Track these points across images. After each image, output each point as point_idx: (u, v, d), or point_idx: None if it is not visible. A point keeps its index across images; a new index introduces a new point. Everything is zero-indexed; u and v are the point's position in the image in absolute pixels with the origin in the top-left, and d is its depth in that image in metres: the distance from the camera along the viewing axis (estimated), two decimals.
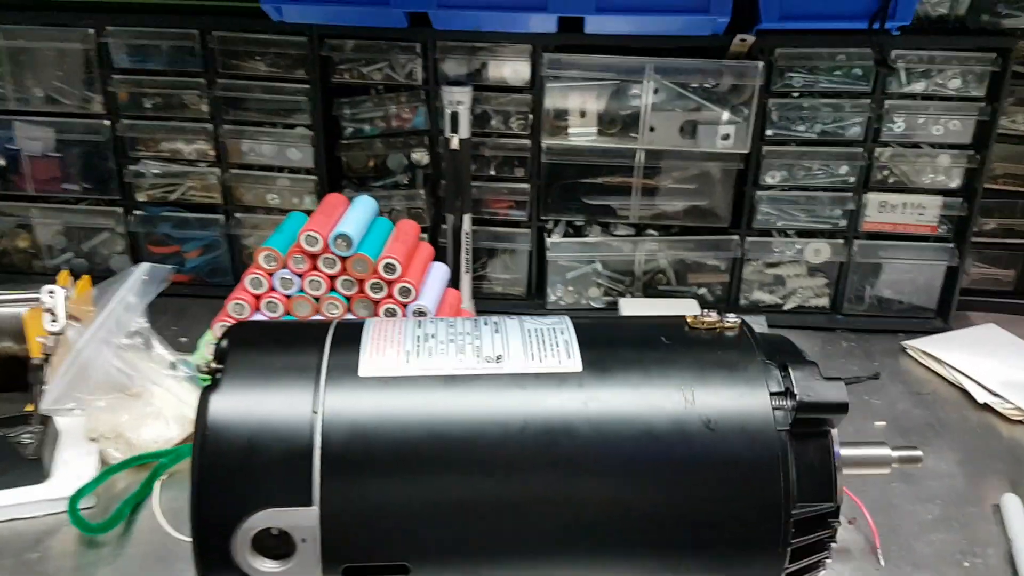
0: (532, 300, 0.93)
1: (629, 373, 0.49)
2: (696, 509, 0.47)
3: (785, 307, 0.92)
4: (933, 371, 0.83)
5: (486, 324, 0.52)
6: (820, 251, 0.89)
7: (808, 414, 0.47)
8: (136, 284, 0.74)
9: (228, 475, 0.45)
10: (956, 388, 0.80)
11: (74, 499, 0.59)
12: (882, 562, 0.60)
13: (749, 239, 0.89)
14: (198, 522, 0.45)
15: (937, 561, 0.60)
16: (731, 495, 0.47)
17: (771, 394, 0.48)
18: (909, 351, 0.86)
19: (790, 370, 0.48)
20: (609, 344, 0.51)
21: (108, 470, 0.64)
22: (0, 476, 0.61)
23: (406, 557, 0.46)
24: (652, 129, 0.82)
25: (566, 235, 0.90)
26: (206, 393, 0.46)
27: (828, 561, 0.49)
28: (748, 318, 0.55)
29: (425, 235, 0.86)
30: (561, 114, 0.83)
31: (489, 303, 0.92)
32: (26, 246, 0.95)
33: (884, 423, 0.75)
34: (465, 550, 0.46)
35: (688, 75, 0.80)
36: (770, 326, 0.90)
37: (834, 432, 0.48)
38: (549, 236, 0.89)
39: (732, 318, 0.53)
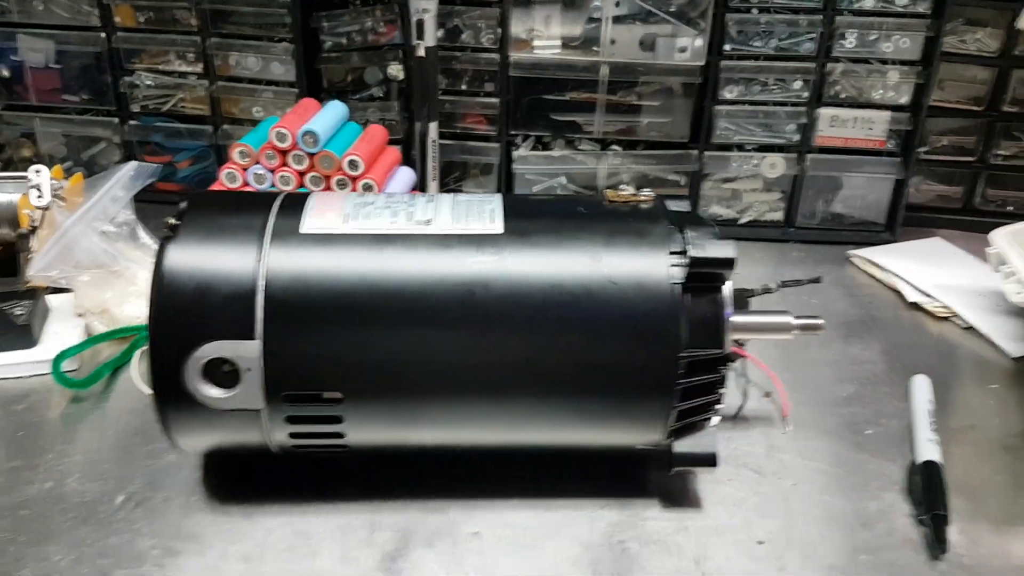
0: None
1: (544, 237, 0.54)
2: (599, 354, 0.52)
3: (741, 221, 0.96)
4: (873, 276, 0.87)
5: (422, 196, 0.58)
6: (775, 165, 0.93)
7: (699, 268, 0.52)
8: (124, 178, 0.80)
9: (181, 312, 0.51)
10: (892, 291, 0.85)
11: (58, 359, 0.66)
12: (789, 428, 0.65)
13: (707, 154, 0.93)
14: (154, 353, 0.51)
15: (841, 429, 0.65)
16: (630, 341, 0.52)
17: (670, 253, 0.53)
18: (853, 259, 0.90)
19: (686, 232, 0.54)
20: (530, 214, 0.57)
21: (92, 339, 0.71)
22: None
23: (339, 388, 0.52)
24: (613, 42, 0.87)
25: (534, 150, 0.95)
26: (164, 243, 0.53)
27: (719, 406, 0.55)
28: (675, 202, 0.60)
29: (399, 145, 0.92)
30: (527, 28, 0.88)
31: None
32: (30, 155, 1.01)
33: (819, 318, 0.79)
34: (391, 385, 0.52)
35: None
36: (727, 238, 0.95)
37: (726, 288, 0.53)
38: (516, 150, 0.94)
39: (647, 192, 0.59)
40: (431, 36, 0.82)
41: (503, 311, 0.52)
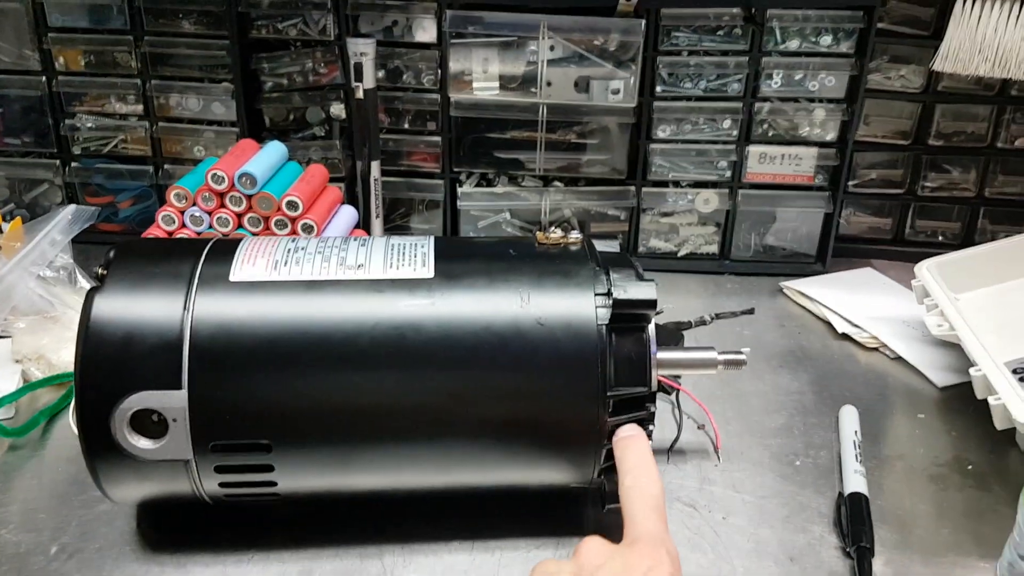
0: None
1: (475, 279, 0.55)
2: (529, 394, 0.53)
3: (679, 254, 0.99)
4: (804, 308, 0.90)
5: (355, 240, 0.59)
6: (709, 201, 0.95)
7: (622, 310, 0.54)
8: (62, 223, 0.80)
9: (107, 362, 0.51)
10: (822, 321, 0.87)
11: None
12: (719, 460, 0.67)
13: (645, 190, 0.95)
14: (81, 404, 0.51)
15: (772, 460, 0.67)
16: (559, 381, 0.53)
17: (596, 294, 0.55)
18: (785, 291, 0.93)
19: (611, 273, 0.55)
20: (461, 257, 0.58)
21: (27, 386, 0.70)
22: None
23: (268, 437, 0.52)
24: (549, 84, 0.89)
25: (478, 186, 0.96)
26: (91, 293, 0.53)
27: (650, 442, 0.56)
28: (605, 243, 0.62)
29: (342, 184, 0.93)
30: (465, 70, 0.89)
31: None
32: None
33: (748, 349, 0.81)
34: (322, 432, 0.53)
35: (580, 32, 0.87)
36: (664, 271, 0.97)
37: (650, 328, 0.55)
38: (461, 187, 0.95)
39: (575, 235, 0.60)
40: (370, 78, 0.83)
41: (434, 354, 0.53)
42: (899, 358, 0.81)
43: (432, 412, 0.53)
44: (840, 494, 0.63)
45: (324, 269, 0.55)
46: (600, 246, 0.60)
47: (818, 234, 0.97)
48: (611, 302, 0.54)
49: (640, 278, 0.55)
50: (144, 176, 0.97)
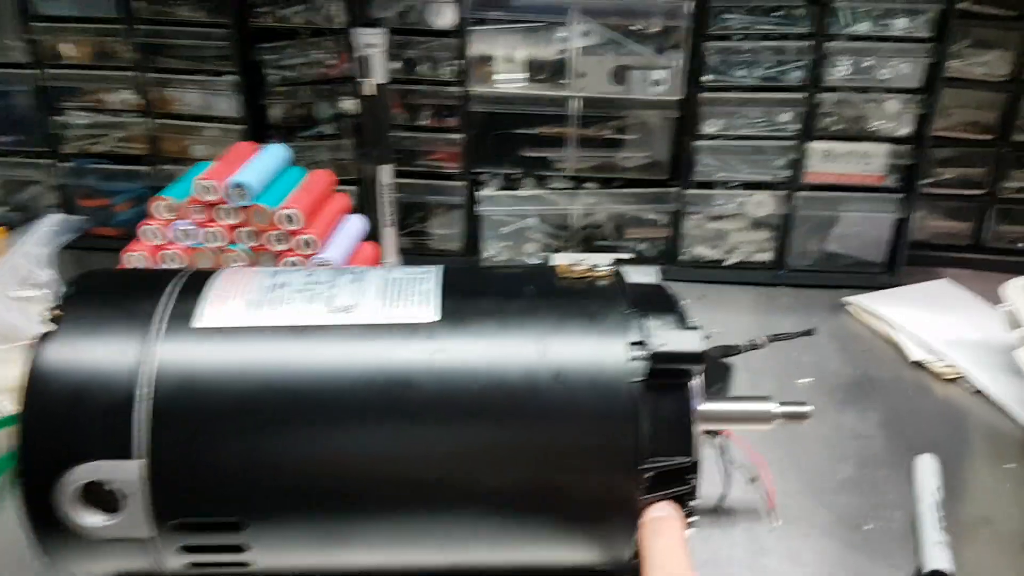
0: (468, 256, 0.90)
1: (484, 323, 0.46)
2: (545, 465, 0.44)
3: (727, 262, 0.89)
4: (872, 328, 0.80)
5: (349, 274, 0.50)
6: (763, 203, 0.85)
7: (660, 364, 0.44)
8: (43, 234, 0.73)
9: (52, 426, 0.43)
10: (891, 345, 0.77)
11: None
12: (778, 523, 0.57)
13: (689, 191, 0.85)
14: (23, 475, 0.43)
15: (836, 524, 0.57)
16: (580, 448, 0.44)
17: (629, 344, 0.45)
18: (850, 308, 0.82)
19: (648, 318, 0.46)
20: (471, 294, 0.49)
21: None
22: None
23: (239, 513, 0.44)
24: (582, 75, 0.79)
25: (502, 189, 0.87)
26: (42, 339, 0.45)
27: (692, 519, 0.47)
28: (637, 268, 0.52)
29: (354, 187, 0.84)
30: (488, 60, 0.80)
31: (426, 260, 0.89)
32: None
33: (810, 379, 0.72)
34: (302, 506, 0.44)
35: (616, 15, 0.77)
36: (711, 282, 0.87)
37: (693, 384, 0.46)
38: (479, 190, 0.86)
39: (604, 267, 0.51)
40: (380, 73, 0.74)
41: (434, 414, 0.44)
42: (979, 392, 0.70)
43: (431, 482, 0.44)
44: (918, 571, 0.53)
45: (307, 311, 0.46)
46: (634, 275, 0.51)
47: (884, 240, 0.86)
48: (647, 354, 0.44)
49: (683, 323, 0.46)
50: (142, 177, 0.90)
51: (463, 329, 0.46)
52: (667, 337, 0.45)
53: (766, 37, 0.79)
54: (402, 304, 0.47)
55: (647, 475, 0.44)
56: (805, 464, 0.63)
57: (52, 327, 0.45)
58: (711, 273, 0.88)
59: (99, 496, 0.44)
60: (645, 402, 0.44)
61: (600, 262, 0.51)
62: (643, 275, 0.52)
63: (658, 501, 0.45)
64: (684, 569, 0.43)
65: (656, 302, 0.48)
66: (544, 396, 0.44)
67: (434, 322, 0.46)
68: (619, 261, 0.52)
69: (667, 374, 0.45)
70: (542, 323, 0.46)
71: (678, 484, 0.45)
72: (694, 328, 0.45)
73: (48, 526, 0.44)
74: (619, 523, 0.45)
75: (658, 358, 0.44)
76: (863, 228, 0.86)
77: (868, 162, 0.82)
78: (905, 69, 0.79)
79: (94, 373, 0.44)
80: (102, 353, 0.44)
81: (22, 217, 0.93)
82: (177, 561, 0.45)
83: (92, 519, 0.44)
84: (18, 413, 0.43)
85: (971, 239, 0.90)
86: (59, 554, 0.45)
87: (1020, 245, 0.90)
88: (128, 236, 0.91)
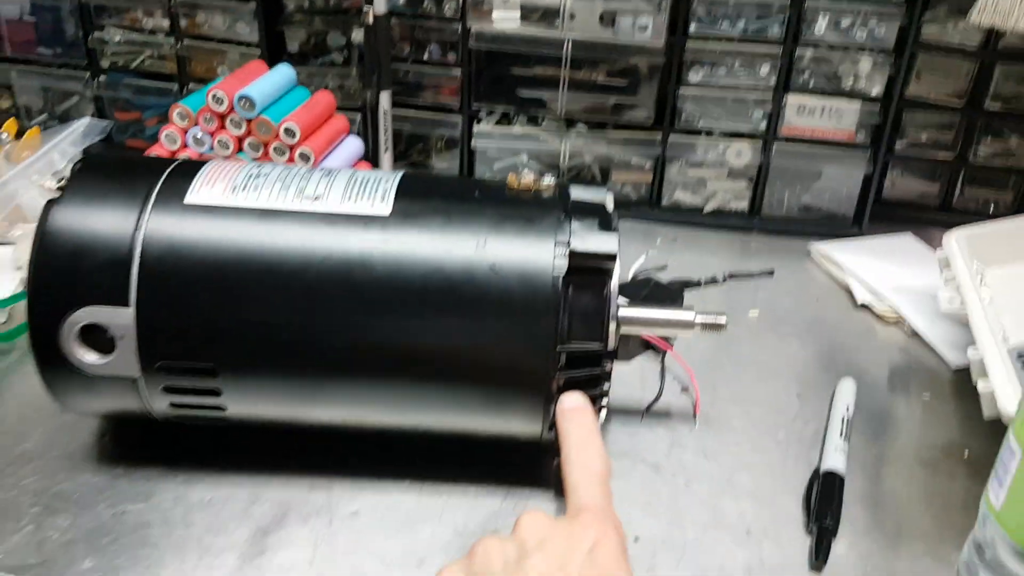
0: None
1: (432, 220, 0.53)
2: (477, 341, 0.51)
3: (706, 209, 0.94)
4: (829, 273, 0.85)
5: (321, 171, 0.57)
6: (741, 153, 0.90)
7: (580, 262, 0.51)
8: (74, 135, 0.81)
9: (57, 274, 0.51)
10: (845, 289, 0.82)
11: None
12: (695, 425, 0.64)
13: (672, 138, 0.90)
14: (32, 315, 0.51)
15: (753, 430, 0.63)
16: (509, 330, 0.51)
17: (556, 243, 0.52)
18: (813, 254, 0.87)
19: (572, 222, 0.52)
20: (423, 195, 0.55)
21: (22, 293, 0.72)
22: None
23: (214, 360, 0.52)
24: (572, 17, 0.84)
25: (499, 124, 0.93)
26: (48, 204, 0.53)
27: (604, 401, 0.54)
28: (589, 188, 0.58)
29: (358, 113, 0.91)
30: None
31: None
32: (8, 107, 1.02)
33: (757, 311, 0.77)
34: (267, 361, 0.52)
35: None
36: (689, 225, 0.93)
37: (612, 282, 0.52)
38: (478, 124, 0.92)
39: (548, 180, 0.57)
40: (381, 3, 0.80)
41: (382, 293, 0.51)
42: (916, 334, 0.75)
43: (378, 351, 0.52)
44: (816, 470, 0.59)
45: (281, 198, 0.53)
46: (582, 194, 0.57)
47: (855, 195, 0.91)
48: (568, 252, 0.51)
49: (605, 228, 0.52)
50: (170, 94, 0.97)
51: (412, 223, 0.53)
52: (587, 237, 0.51)
53: None
54: (363, 199, 0.54)
55: (564, 355, 0.51)
56: (739, 382, 0.69)
57: (57, 195, 0.53)
58: (690, 217, 0.93)
59: (96, 342, 0.52)
60: (566, 294, 0.51)
61: (547, 178, 0.57)
62: (593, 195, 0.58)
63: (574, 380, 0.52)
64: (598, 446, 0.50)
65: (589, 212, 0.54)
66: (479, 283, 0.51)
67: (387, 216, 0.53)
68: (571, 181, 0.57)
69: (588, 271, 0.51)
70: (483, 222, 0.53)
71: (594, 366, 0.52)
72: (612, 231, 0.52)
73: (52, 362, 0.52)
74: (539, 398, 0.52)
75: (577, 255, 0.51)
76: (834, 182, 0.91)
77: (841, 118, 0.86)
78: (880, 31, 0.83)
79: (94, 233, 0.51)
80: (102, 217, 0.52)
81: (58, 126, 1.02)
82: (161, 402, 0.53)
83: (90, 357, 0.52)
84: (28, 265, 0.51)
85: (940, 200, 0.94)
86: (62, 389, 0.54)
87: (989, 209, 0.93)
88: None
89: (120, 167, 0.57)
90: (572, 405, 0.52)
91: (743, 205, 0.93)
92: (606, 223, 0.53)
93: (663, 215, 0.94)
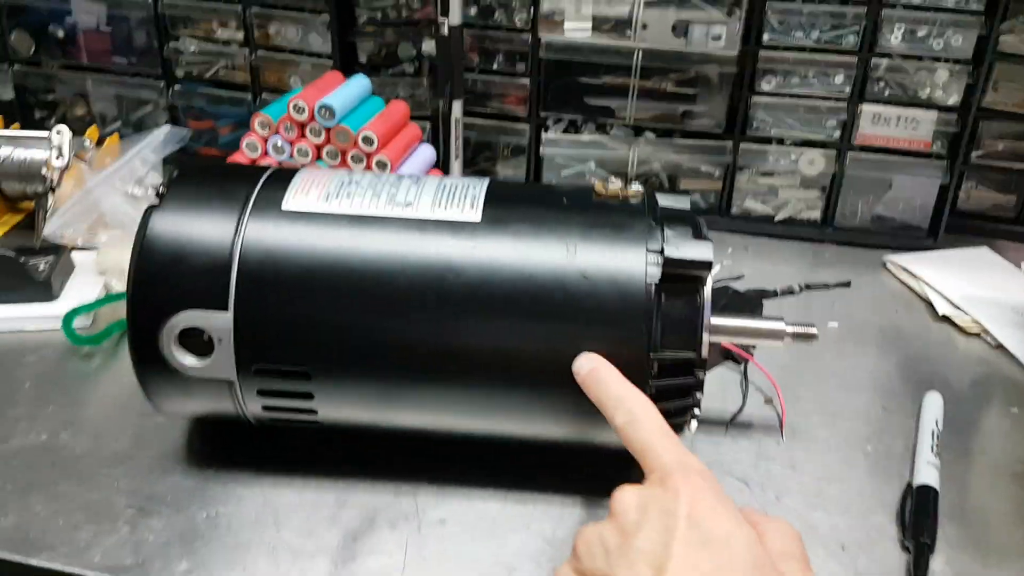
0: None
1: (521, 226, 0.53)
2: (567, 348, 0.51)
3: (777, 218, 0.93)
4: (907, 286, 0.83)
5: (409, 178, 0.58)
6: (814, 162, 0.89)
7: (674, 269, 0.50)
8: (155, 142, 0.83)
9: (158, 279, 0.52)
10: (924, 301, 0.81)
11: (69, 315, 0.68)
12: (783, 438, 0.63)
13: (743, 146, 0.90)
14: (132, 318, 0.52)
15: (841, 443, 0.63)
16: (599, 338, 0.51)
17: (648, 251, 0.52)
18: (889, 266, 0.86)
19: (665, 229, 0.52)
20: (511, 201, 0.56)
21: (105, 298, 0.73)
22: (13, 293, 0.71)
23: (308, 364, 0.52)
24: (645, 27, 0.84)
25: (565, 132, 0.93)
26: (149, 210, 0.54)
27: (696, 411, 0.53)
28: (671, 195, 0.58)
29: (427, 122, 0.92)
30: (557, 10, 0.86)
31: None
32: (83, 114, 1.05)
33: (836, 323, 0.76)
34: (358, 365, 0.52)
35: None
36: (759, 235, 0.92)
37: (706, 290, 0.52)
38: (546, 132, 0.92)
39: (636, 187, 0.57)
40: (456, 14, 0.81)
41: (472, 299, 0.51)
42: (1001, 347, 0.74)
43: (468, 357, 0.52)
44: (908, 485, 0.58)
45: (373, 204, 0.54)
46: (666, 202, 0.57)
47: (929, 205, 0.90)
48: (662, 260, 0.50)
49: (698, 236, 0.52)
50: (243, 104, 0.99)
51: (502, 229, 0.53)
52: (681, 245, 0.51)
53: (824, 1, 0.83)
54: (452, 206, 0.54)
55: (657, 363, 0.51)
56: (821, 394, 0.68)
57: (157, 202, 0.54)
58: (760, 227, 0.92)
59: (192, 345, 0.53)
60: (659, 302, 0.51)
61: (635, 185, 0.57)
62: (676, 202, 0.58)
63: (666, 389, 0.51)
64: (641, 398, 0.48)
65: (679, 220, 0.54)
66: (570, 290, 0.51)
67: (477, 222, 0.53)
68: (654, 189, 0.57)
69: (681, 279, 0.51)
70: (572, 229, 0.53)
71: (686, 375, 0.52)
72: (707, 240, 0.51)
73: (151, 365, 0.53)
74: None
75: (672, 263, 0.51)
76: (908, 192, 0.89)
77: (916, 128, 0.85)
78: (957, 40, 0.82)
79: (194, 238, 0.52)
80: (201, 223, 0.53)
81: (135, 134, 1.04)
82: (255, 404, 0.54)
83: (188, 359, 0.52)
84: (129, 269, 0.52)
85: (1017, 211, 0.92)
86: (159, 390, 0.54)
87: None
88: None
89: (216, 174, 0.58)
90: (590, 366, 0.50)
91: (815, 214, 0.92)
92: (699, 231, 0.52)
93: (733, 223, 0.93)
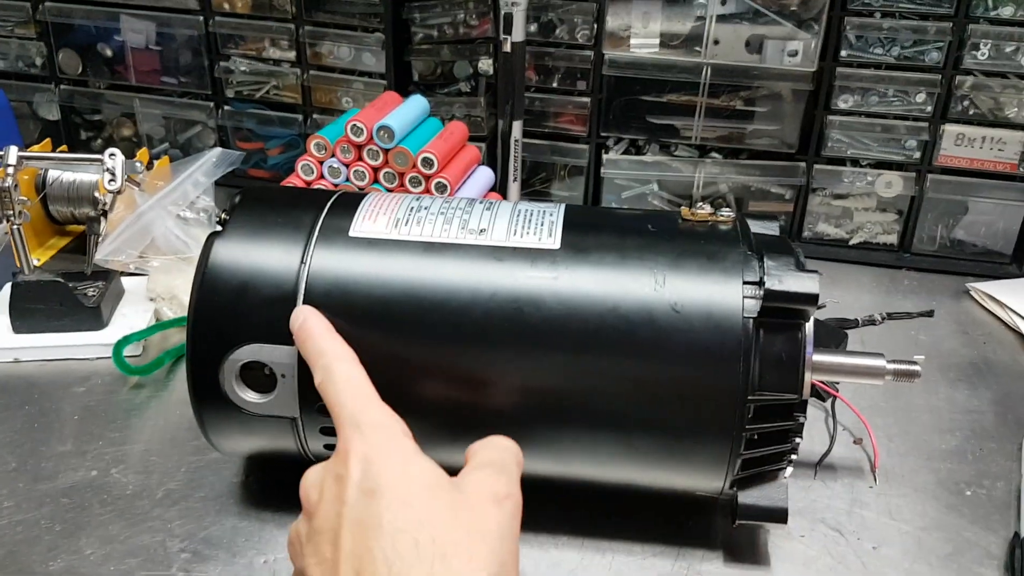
0: None
1: (604, 255, 0.49)
2: (656, 388, 0.47)
3: (851, 242, 0.89)
4: (994, 314, 0.78)
5: (481, 203, 0.54)
6: (892, 184, 0.85)
7: (775, 303, 0.46)
8: (206, 164, 0.80)
9: (221, 311, 0.49)
10: (1013, 332, 0.76)
11: (120, 343, 0.66)
12: (875, 482, 0.58)
13: (817, 167, 0.86)
14: (192, 351, 0.49)
15: (938, 487, 0.58)
16: (692, 377, 0.47)
17: (744, 283, 0.48)
18: (973, 293, 0.81)
19: (764, 259, 0.48)
20: (593, 228, 0.52)
21: (156, 325, 0.71)
22: (62, 320, 0.69)
23: None
24: (716, 43, 0.81)
25: (626, 153, 0.90)
26: (211, 238, 0.51)
27: (794, 456, 0.49)
28: (760, 221, 0.54)
29: (484, 143, 0.89)
30: (624, 26, 0.83)
31: None
32: (130, 135, 1.03)
33: (923, 357, 0.72)
34: (429, 401, 0.49)
35: None
36: (832, 260, 0.87)
37: (808, 326, 0.48)
38: (607, 153, 0.89)
39: (726, 212, 0.53)
40: (519, 31, 0.78)
41: (553, 333, 0.48)
42: None
43: (547, 395, 0.48)
44: (1016, 534, 0.53)
45: (445, 231, 0.51)
46: (756, 227, 0.53)
47: (1015, 231, 0.84)
48: (762, 293, 0.47)
49: (800, 267, 0.48)
50: (294, 124, 0.96)
51: (583, 258, 0.49)
52: (784, 277, 0.47)
53: (905, 16, 0.79)
54: (529, 233, 0.51)
55: (754, 406, 0.47)
56: (912, 432, 0.63)
57: (219, 229, 0.51)
58: (834, 252, 0.88)
59: (254, 381, 0.49)
60: (758, 338, 0.47)
61: (725, 210, 0.53)
62: (765, 228, 0.54)
63: (764, 434, 0.47)
64: (336, 349, 0.45)
65: (776, 248, 0.50)
66: (659, 324, 0.47)
67: (556, 250, 0.50)
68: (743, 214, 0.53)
69: (782, 313, 0.47)
70: (660, 258, 0.49)
71: (786, 419, 0.47)
72: (812, 271, 0.47)
73: (211, 401, 0.50)
74: (722, 451, 0.48)
75: (773, 296, 0.46)
76: (992, 216, 0.84)
77: (1003, 148, 0.80)
78: None
79: (258, 268, 0.49)
80: (266, 251, 0.50)
81: (183, 155, 1.02)
82: (318, 443, 0.51)
83: (250, 395, 0.49)
84: (190, 299, 0.49)
85: None
86: (218, 428, 0.51)
87: None
88: (278, 179, 0.99)
89: (280, 199, 0.55)
90: (301, 318, 0.46)
91: (891, 239, 0.88)
92: (800, 261, 0.48)
93: (805, 248, 0.88)
